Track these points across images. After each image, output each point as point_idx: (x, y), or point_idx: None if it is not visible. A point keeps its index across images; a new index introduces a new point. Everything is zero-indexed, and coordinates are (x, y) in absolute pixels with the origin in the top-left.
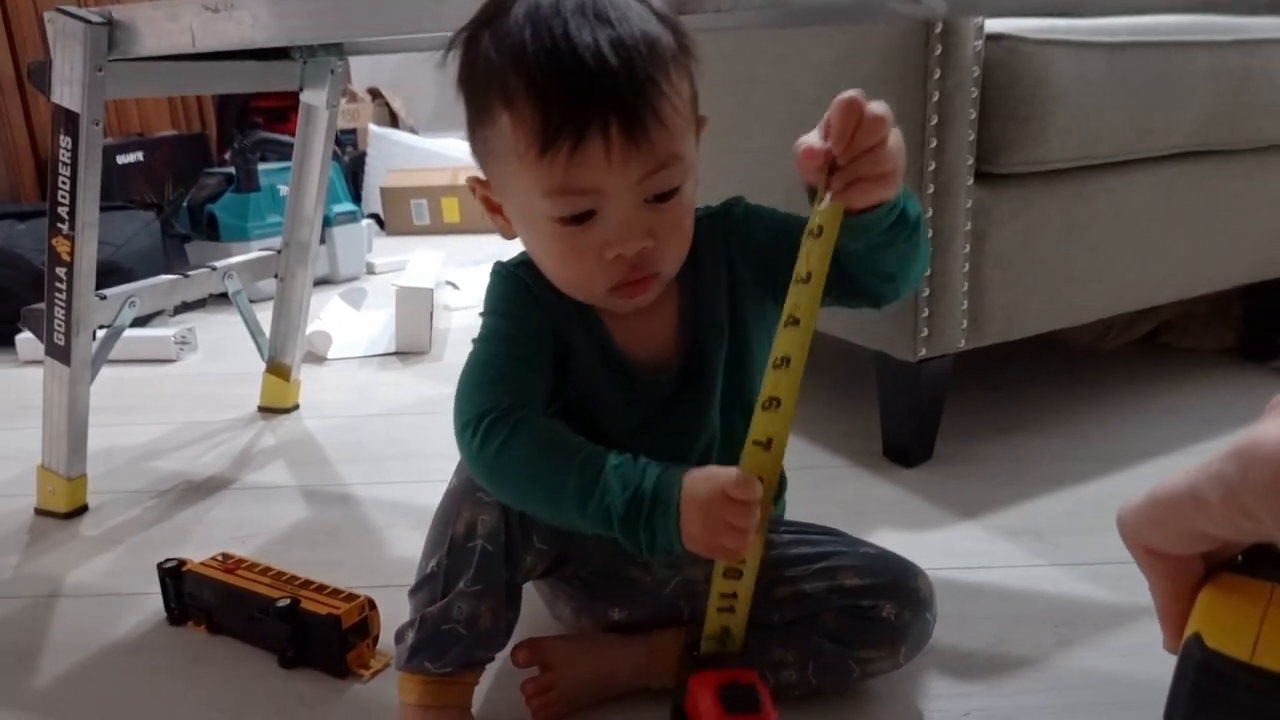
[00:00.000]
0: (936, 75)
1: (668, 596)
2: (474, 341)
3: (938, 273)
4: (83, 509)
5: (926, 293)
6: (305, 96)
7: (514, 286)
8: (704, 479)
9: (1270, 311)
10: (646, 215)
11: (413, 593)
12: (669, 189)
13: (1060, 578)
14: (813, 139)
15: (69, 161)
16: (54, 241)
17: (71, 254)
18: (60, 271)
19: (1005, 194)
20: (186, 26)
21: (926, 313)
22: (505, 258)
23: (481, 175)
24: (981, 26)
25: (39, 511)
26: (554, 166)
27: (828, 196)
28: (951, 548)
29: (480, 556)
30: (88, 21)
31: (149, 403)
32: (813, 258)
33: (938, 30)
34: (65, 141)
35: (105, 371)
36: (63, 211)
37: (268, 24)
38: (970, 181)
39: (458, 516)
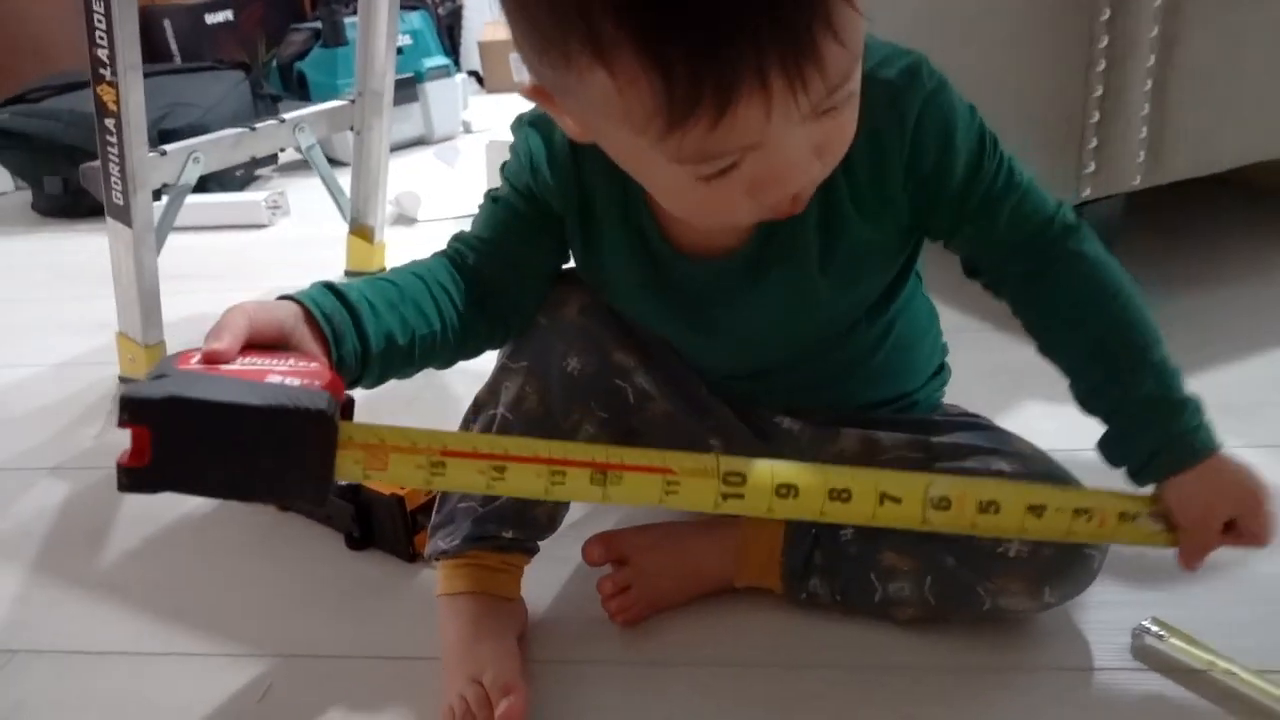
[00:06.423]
0: None
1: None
2: None
3: (1111, 91)
4: None
5: (1095, 118)
6: None
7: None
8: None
9: None
10: (814, 133)
11: None
12: (845, 99)
13: (1260, 461)
14: None
15: None
16: (99, 90)
17: (117, 102)
18: (109, 123)
19: None
20: None
21: (1094, 143)
22: None
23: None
24: None
25: (123, 380)
26: (686, 139)
27: None
28: None
29: (499, 426)
30: None
31: (240, 268)
32: None
33: None
34: None
35: (197, 238)
36: (102, 54)
37: None
38: None
39: (486, 384)
